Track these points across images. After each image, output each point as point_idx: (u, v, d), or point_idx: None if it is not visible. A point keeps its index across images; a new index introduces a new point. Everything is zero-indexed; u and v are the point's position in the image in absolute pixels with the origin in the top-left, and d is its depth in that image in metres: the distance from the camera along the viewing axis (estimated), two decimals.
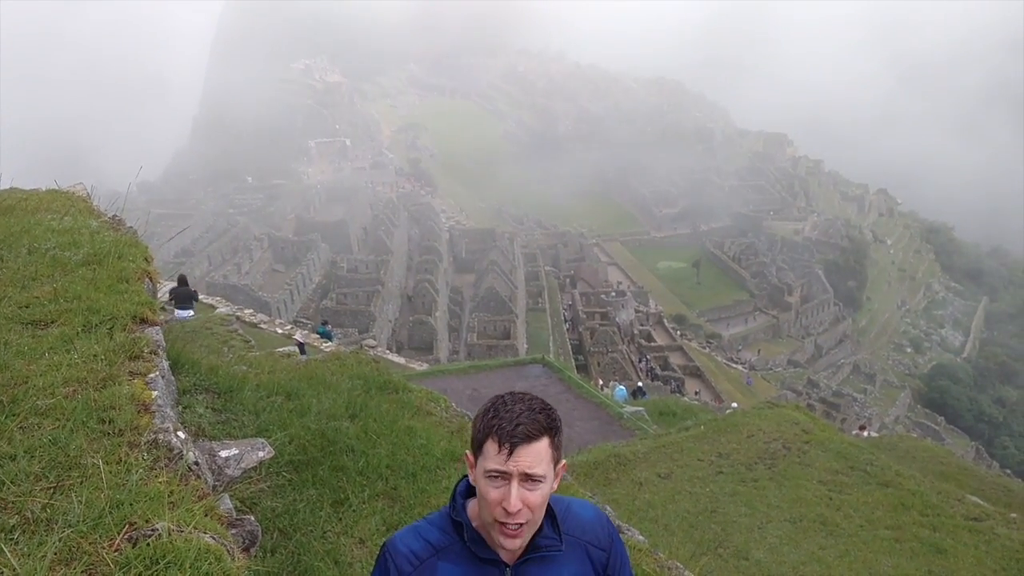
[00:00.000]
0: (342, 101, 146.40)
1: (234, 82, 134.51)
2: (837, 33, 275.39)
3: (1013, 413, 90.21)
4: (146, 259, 5.20)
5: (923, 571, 10.44)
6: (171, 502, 2.70)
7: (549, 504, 2.23)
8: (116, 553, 2.39)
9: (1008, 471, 49.45)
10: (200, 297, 22.84)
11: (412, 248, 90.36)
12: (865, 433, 23.86)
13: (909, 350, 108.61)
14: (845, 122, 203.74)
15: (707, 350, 79.96)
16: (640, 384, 40.02)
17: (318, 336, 26.53)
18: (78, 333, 3.93)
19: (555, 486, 2.19)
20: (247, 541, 3.87)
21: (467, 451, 2.25)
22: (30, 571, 2.26)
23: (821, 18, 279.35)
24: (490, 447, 2.10)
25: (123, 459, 2.90)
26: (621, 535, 2.51)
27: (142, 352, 3.88)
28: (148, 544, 2.39)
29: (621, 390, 29.33)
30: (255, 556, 4.93)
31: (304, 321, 55.42)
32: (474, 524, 2.22)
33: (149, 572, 2.32)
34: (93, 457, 2.85)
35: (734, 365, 78.95)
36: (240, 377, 7.46)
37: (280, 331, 25.91)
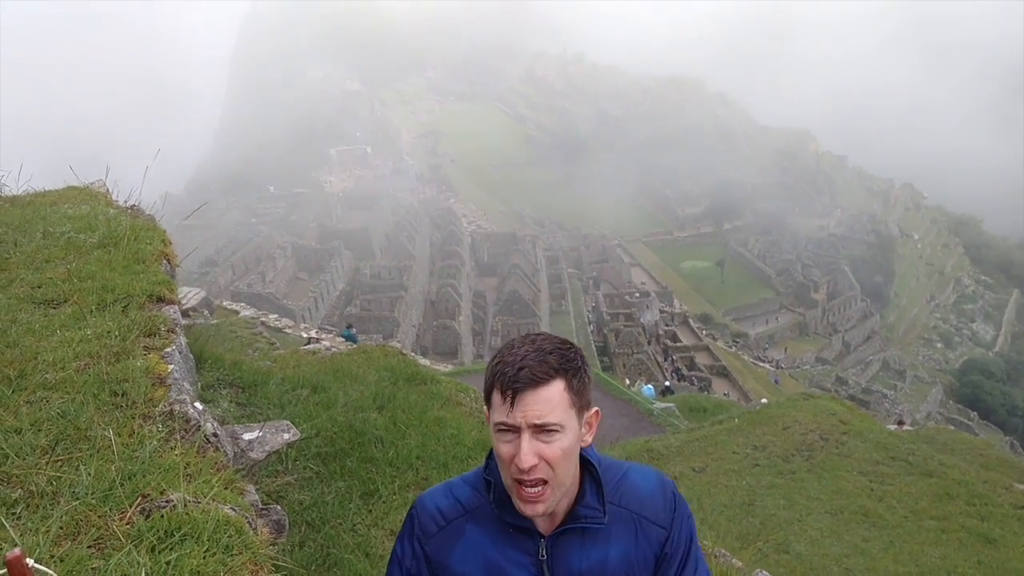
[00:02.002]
0: (362, 108, 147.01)
1: (255, 91, 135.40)
2: (860, 28, 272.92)
3: None
4: (164, 241, 5.02)
5: (972, 562, 10.07)
6: (187, 474, 2.49)
7: (597, 469, 1.94)
8: (128, 526, 2.18)
9: None
10: (223, 304, 22.93)
11: (434, 253, 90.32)
12: (903, 428, 23.36)
13: (939, 345, 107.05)
14: (870, 116, 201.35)
15: (733, 349, 79.21)
16: (668, 383, 39.64)
17: (344, 340, 26.45)
18: (92, 311, 3.74)
19: (588, 439, 1.88)
20: (274, 531, 3.71)
21: (485, 406, 1.95)
22: (33, 544, 2.05)
23: (843, 14, 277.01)
24: (495, 397, 1.81)
25: (136, 431, 2.71)
26: None
27: (158, 329, 3.69)
28: (162, 516, 2.18)
29: (649, 388, 28.98)
30: (283, 549, 4.77)
31: (329, 328, 55.48)
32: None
33: (163, 544, 2.11)
34: (104, 429, 2.65)
35: (761, 364, 78.14)
36: (264, 371, 7.35)
37: (305, 335, 25.85)
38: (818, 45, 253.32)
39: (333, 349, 13.11)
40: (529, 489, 1.79)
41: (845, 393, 72.58)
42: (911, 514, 11.20)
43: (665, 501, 2.02)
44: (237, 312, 24.75)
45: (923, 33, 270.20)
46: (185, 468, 2.50)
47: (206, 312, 17.76)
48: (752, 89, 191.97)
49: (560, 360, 1.82)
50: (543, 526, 1.92)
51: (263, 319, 25.13)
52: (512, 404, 1.77)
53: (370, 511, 5.51)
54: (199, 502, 2.27)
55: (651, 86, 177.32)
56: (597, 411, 1.93)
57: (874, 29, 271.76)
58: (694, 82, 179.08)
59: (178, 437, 2.75)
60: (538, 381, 1.77)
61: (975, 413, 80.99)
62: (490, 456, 1.97)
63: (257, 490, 4.22)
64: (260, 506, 3.67)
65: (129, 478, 2.39)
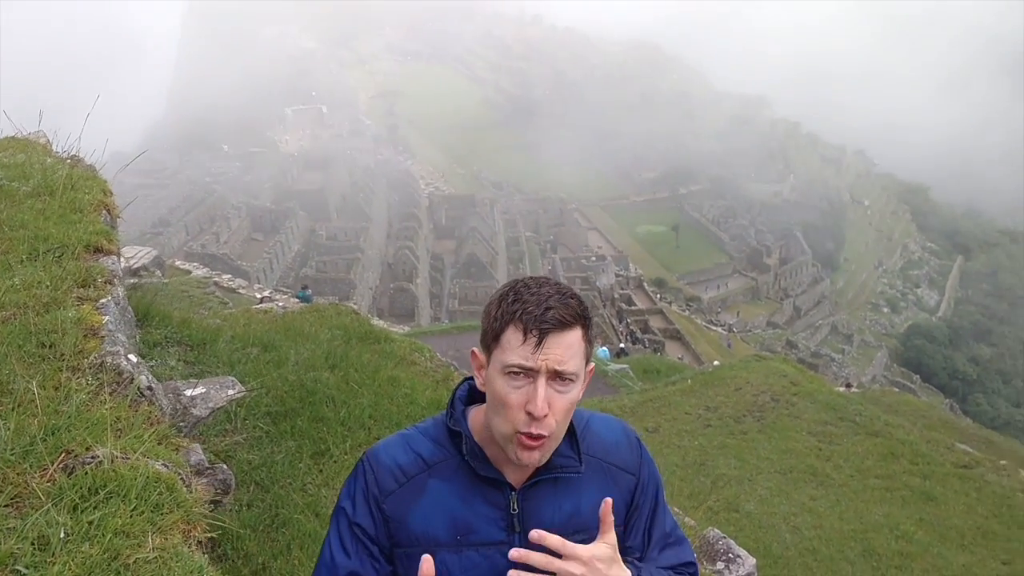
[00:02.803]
0: (318, 68, 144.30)
1: (209, 49, 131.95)
2: None
3: (986, 371, 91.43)
4: (104, 191, 4.79)
5: (915, 519, 10.34)
6: (117, 429, 2.33)
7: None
8: (49, 484, 2.04)
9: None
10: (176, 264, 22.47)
11: (392, 215, 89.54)
12: (851, 390, 23.86)
13: (886, 310, 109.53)
14: (823, 84, 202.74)
15: (687, 313, 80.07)
16: (622, 345, 39.96)
17: (298, 300, 26.09)
18: (22, 261, 3.53)
19: (580, 394, 1.74)
20: (219, 490, 3.60)
21: (474, 348, 1.78)
22: None
23: None
24: (512, 337, 1.64)
25: (63, 384, 2.53)
26: None
27: (94, 280, 3.49)
28: (86, 472, 2.04)
29: (604, 351, 29.16)
30: (230, 510, 4.65)
31: (285, 289, 54.85)
32: (475, 437, 1.79)
33: (86, 503, 1.97)
34: (27, 382, 2.47)
35: (714, 328, 79.14)
36: (214, 330, 7.16)
37: (259, 296, 25.44)
38: (774, 12, 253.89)
39: (286, 308, 12.90)
40: (533, 438, 1.66)
41: (795, 356, 73.91)
42: (857, 473, 11.44)
43: (631, 448, 1.94)
44: (189, 272, 24.24)
45: (877, 2, 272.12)
46: (115, 423, 2.34)
47: (157, 272, 17.43)
48: (709, 54, 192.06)
49: (580, 306, 1.70)
50: (513, 478, 1.79)
51: (216, 279, 24.62)
52: (537, 345, 1.62)
53: (321, 471, 5.41)
54: (128, 458, 2.12)
55: (609, 50, 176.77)
56: (593, 367, 1.81)
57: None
58: (652, 46, 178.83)
59: (108, 391, 2.59)
60: (565, 324, 1.65)
61: (918, 376, 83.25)
62: (452, 404, 1.84)
63: (204, 449, 4.08)
64: (206, 464, 3.55)
65: (52, 433, 2.23)
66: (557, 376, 1.65)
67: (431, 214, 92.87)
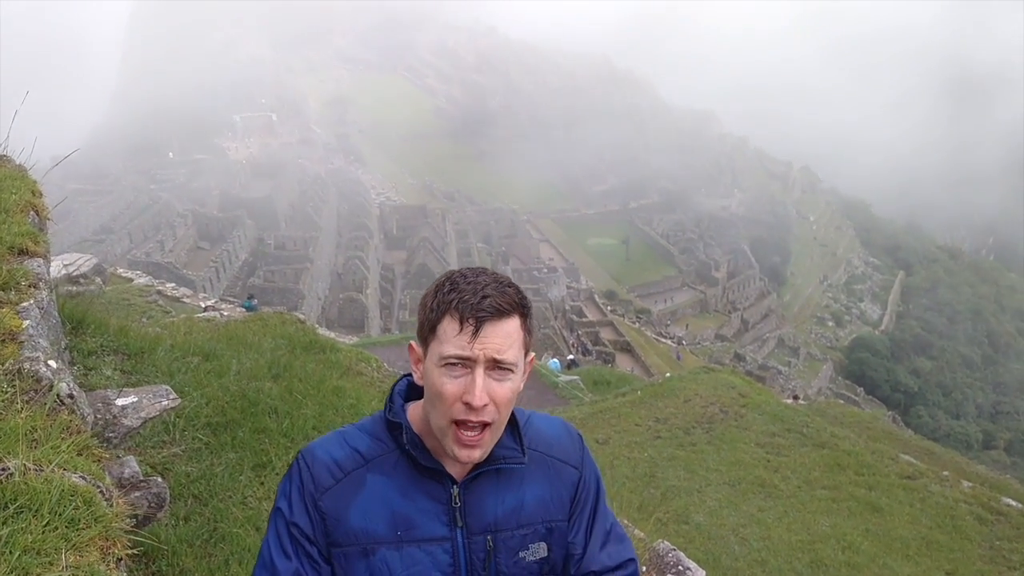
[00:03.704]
0: (267, 74, 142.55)
1: (154, 53, 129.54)
2: (765, 11, 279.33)
3: (927, 383, 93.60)
4: (33, 192, 4.58)
5: (860, 529, 10.43)
6: (32, 439, 2.17)
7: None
8: None
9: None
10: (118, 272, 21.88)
11: (342, 225, 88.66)
12: (798, 403, 24.17)
13: (831, 324, 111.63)
14: (770, 98, 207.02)
15: (637, 325, 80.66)
16: (572, 357, 40.05)
17: (244, 311, 25.61)
18: None
19: (521, 384, 1.71)
20: (153, 504, 3.45)
21: (411, 341, 1.75)
22: None
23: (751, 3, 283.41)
24: (448, 327, 1.61)
25: None
26: None
27: (17, 283, 3.31)
28: None
29: (555, 362, 29.17)
30: (166, 524, 4.47)
31: (231, 299, 53.92)
32: (415, 430, 1.74)
33: None
34: None
35: (663, 340, 79.86)
36: (153, 338, 6.95)
37: (203, 305, 24.92)
38: (723, 25, 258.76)
39: (230, 317, 12.62)
40: (469, 432, 1.63)
41: (743, 369, 74.91)
42: (804, 484, 11.53)
43: (572, 443, 1.91)
44: (131, 280, 23.64)
45: (824, 21, 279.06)
46: (29, 433, 2.18)
47: (98, 279, 16.90)
48: (659, 69, 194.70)
49: (517, 295, 1.67)
50: (455, 470, 1.74)
51: (159, 288, 24.04)
52: (474, 334, 1.59)
53: (262, 483, 5.25)
54: (42, 470, 1.97)
55: (562, 62, 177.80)
56: (533, 356, 1.77)
57: (778, 14, 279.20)
58: (603, 59, 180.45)
59: (24, 399, 2.42)
60: (502, 312, 1.62)
61: (861, 388, 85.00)
62: (391, 399, 1.79)
63: (140, 461, 3.91)
64: (140, 477, 3.40)
65: None
66: (496, 365, 1.62)
67: (382, 224, 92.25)
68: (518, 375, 1.67)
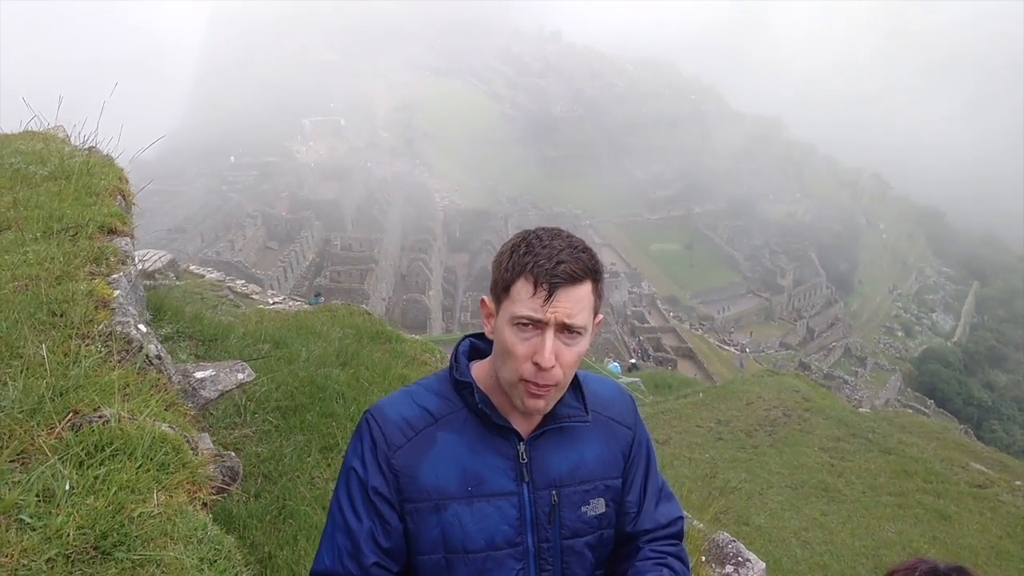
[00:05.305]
0: (337, 80, 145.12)
1: (229, 59, 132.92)
2: (835, 17, 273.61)
3: (1002, 397, 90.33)
4: (120, 178, 4.82)
5: (927, 537, 10.19)
6: (125, 393, 2.33)
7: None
8: (56, 440, 2.03)
9: None
10: (191, 268, 22.50)
11: (406, 227, 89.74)
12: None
13: (900, 334, 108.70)
14: (840, 103, 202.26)
15: (700, 332, 79.82)
16: (633, 361, 39.84)
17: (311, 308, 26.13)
18: (36, 238, 3.56)
19: (587, 347, 1.75)
20: (228, 477, 3.59)
21: (484, 297, 1.80)
22: None
23: (820, 4, 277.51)
24: (522, 289, 1.65)
25: (72, 350, 2.54)
26: None
27: (107, 258, 3.51)
28: (93, 430, 2.03)
29: (615, 365, 29.12)
30: (238, 499, 4.65)
31: (298, 298, 54.92)
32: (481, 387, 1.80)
33: (92, 459, 1.96)
34: (37, 347, 2.47)
35: (726, 347, 78.80)
36: (226, 326, 7.19)
37: (272, 301, 25.49)
38: (793, 32, 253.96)
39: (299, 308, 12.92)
40: (539, 387, 1.68)
41: (808, 378, 73.48)
42: (869, 489, 11.30)
43: (626, 404, 1.97)
44: (203, 276, 24.33)
45: (896, 26, 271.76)
46: (123, 387, 2.35)
47: (172, 274, 17.49)
48: (726, 74, 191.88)
49: (591, 260, 1.71)
50: (521, 427, 1.80)
51: (230, 284, 24.70)
52: (547, 298, 1.64)
53: (329, 465, 5.40)
54: (135, 419, 2.12)
55: (627, 68, 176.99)
56: (601, 318, 1.81)
57: (848, 20, 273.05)
58: (669, 65, 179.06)
59: (117, 358, 2.59)
60: (576, 278, 1.66)
61: (932, 401, 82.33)
62: (455, 359, 1.86)
63: (214, 441, 4.09)
64: (215, 452, 3.55)
65: (61, 394, 2.23)
66: (565, 329, 1.66)
67: (445, 227, 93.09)
68: (586, 338, 1.71)
